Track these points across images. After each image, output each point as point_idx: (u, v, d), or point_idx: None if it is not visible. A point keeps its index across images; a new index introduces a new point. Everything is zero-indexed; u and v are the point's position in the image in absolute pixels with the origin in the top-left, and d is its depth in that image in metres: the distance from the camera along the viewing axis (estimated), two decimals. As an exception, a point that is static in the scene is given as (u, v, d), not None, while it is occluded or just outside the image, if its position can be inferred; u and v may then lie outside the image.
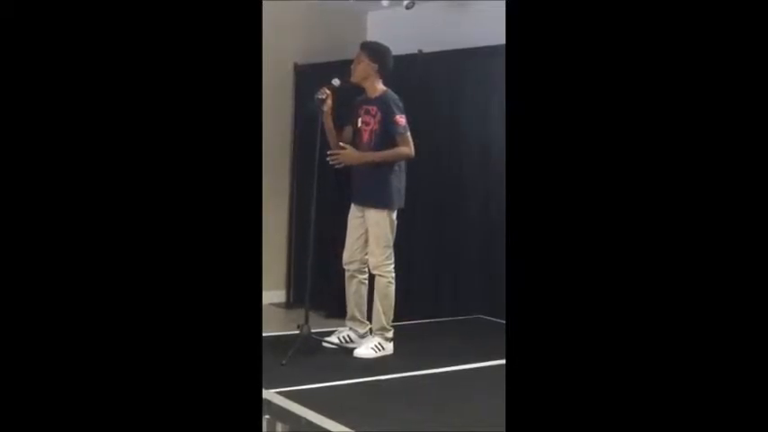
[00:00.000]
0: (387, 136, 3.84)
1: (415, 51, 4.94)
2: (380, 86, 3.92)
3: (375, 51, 3.92)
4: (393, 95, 3.89)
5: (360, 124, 3.93)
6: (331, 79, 3.91)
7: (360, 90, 3.97)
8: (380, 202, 3.89)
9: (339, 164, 3.88)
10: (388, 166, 3.87)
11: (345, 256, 4.04)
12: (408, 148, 3.84)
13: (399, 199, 3.92)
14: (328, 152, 3.87)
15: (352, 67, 3.94)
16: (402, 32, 5.18)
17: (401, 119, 3.83)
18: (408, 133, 3.84)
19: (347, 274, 4.04)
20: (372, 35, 5.53)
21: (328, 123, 3.93)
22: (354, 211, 4.00)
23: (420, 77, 4.91)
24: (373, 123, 3.88)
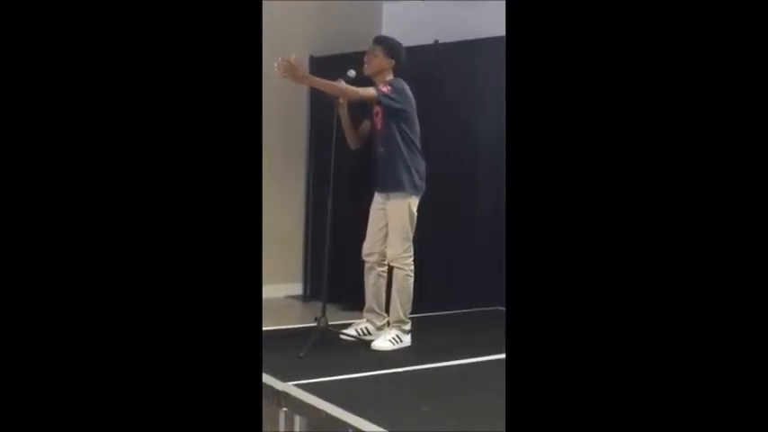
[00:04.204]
0: (391, 123, 3.84)
1: (431, 42, 4.91)
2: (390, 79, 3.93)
3: (391, 47, 3.94)
4: (398, 82, 3.88)
5: (373, 115, 3.97)
6: (347, 71, 3.90)
7: (372, 83, 3.96)
8: (400, 184, 3.85)
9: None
10: (403, 149, 3.84)
11: (365, 247, 4.03)
12: (351, 89, 3.76)
13: (420, 182, 3.89)
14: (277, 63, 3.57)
15: (365, 60, 3.95)
16: (418, 23, 5.15)
17: (384, 88, 3.80)
18: (369, 94, 3.77)
19: (366, 266, 4.03)
20: (388, 26, 5.51)
21: (344, 115, 3.94)
22: (377, 202, 3.99)
23: (436, 68, 4.88)
24: (381, 111, 3.88)
